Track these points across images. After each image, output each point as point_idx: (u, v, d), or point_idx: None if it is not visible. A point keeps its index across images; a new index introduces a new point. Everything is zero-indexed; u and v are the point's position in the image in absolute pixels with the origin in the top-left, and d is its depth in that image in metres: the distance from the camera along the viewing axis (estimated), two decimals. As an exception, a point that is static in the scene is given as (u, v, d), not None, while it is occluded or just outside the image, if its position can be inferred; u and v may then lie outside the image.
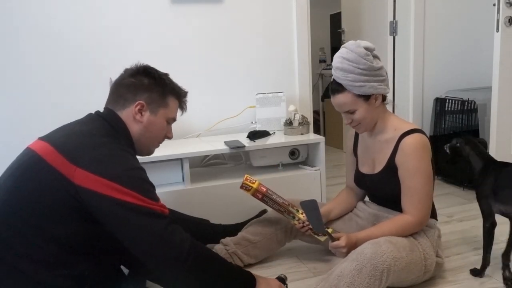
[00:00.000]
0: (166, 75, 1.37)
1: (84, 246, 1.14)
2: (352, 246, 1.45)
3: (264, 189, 1.61)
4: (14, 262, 1.07)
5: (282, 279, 1.42)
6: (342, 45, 1.52)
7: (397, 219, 1.51)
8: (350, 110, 1.52)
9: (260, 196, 1.61)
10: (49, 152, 1.11)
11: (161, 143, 1.40)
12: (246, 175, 1.62)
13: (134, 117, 1.28)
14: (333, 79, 1.53)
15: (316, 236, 1.62)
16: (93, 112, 1.31)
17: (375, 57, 1.51)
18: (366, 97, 1.49)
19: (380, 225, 1.53)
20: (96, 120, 1.26)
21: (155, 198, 1.14)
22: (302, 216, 1.63)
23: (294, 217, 1.63)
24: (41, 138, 1.20)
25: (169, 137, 1.41)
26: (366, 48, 1.47)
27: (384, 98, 1.56)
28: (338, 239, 1.48)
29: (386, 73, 1.54)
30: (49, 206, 1.08)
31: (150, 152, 1.39)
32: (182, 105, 1.41)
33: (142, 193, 1.10)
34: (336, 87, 1.51)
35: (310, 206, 1.55)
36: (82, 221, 1.10)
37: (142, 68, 1.34)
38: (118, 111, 1.29)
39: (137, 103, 1.28)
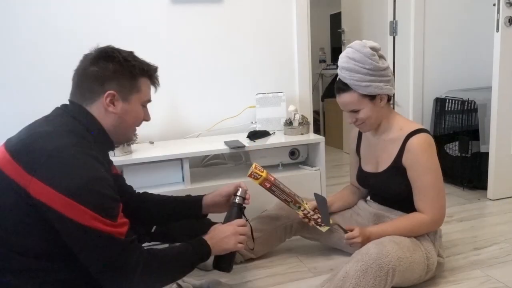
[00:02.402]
0: (131, 54, 1.23)
1: (62, 253, 1.07)
2: (365, 239, 1.45)
3: (272, 179, 1.61)
4: None
5: (238, 205, 1.45)
6: (348, 45, 1.53)
7: (412, 217, 1.50)
8: (355, 109, 1.52)
9: (268, 186, 1.59)
10: (7, 162, 1.03)
11: (139, 127, 1.31)
12: (254, 164, 1.61)
13: (106, 109, 1.18)
14: (339, 78, 1.54)
15: (318, 227, 1.63)
16: (60, 106, 1.20)
17: (381, 57, 1.51)
18: (372, 97, 1.50)
19: (394, 221, 1.52)
20: (63, 117, 1.15)
21: (114, 216, 1.05)
22: (307, 206, 1.63)
23: (299, 207, 1.63)
24: (4, 143, 1.10)
25: (147, 120, 1.31)
26: (372, 48, 1.48)
27: (389, 98, 1.56)
28: (350, 230, 1.49)
29: (392, 74, 1.54)
30: (13, 220, 1.02)
31: (129, 139, 1.33)
32: (154, 82, 1.29)
33: (99, 212, 1.01)
34: (341, 87, 1.52)
35: (321, 200, 1.63)
36: (51, 230, 1.02)
37: (104, 52, 1.19)
38: (87, 106, 1.18)
39: (106, 94, 1.16)
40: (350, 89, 1.49)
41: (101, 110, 1.18)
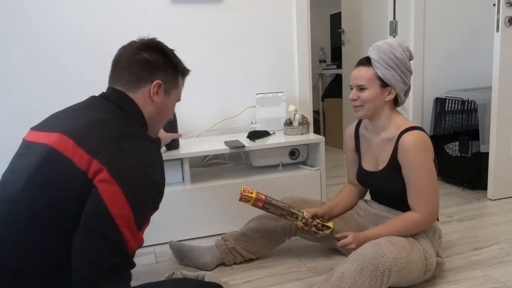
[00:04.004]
0: (174, 52, 1.27)
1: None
2: (360, 244, 1.46)
3: (263, 197, 1.57)
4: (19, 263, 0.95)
5: None
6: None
7: (405, 217, 1.51)
8: (363, 86, 1.54)
9: (261, 205, 1.56)
10: (72, 148, 0.98)
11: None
12: (242, 187, 1.57)
13: (151, 97, 1.17)
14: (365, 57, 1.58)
15: (320, 232, 1.62)
16: (101, 95, 1.17)
17: (410, 60, 1.57)
18: (384, 84, 1.52)
19: (388, 223, 1.53)
20: (108, 105, 1.12)
21: (142, 225, 1.01)
22: (305, 215, 1.63)
23: (297, 218, 1.61)
24: (59, 131, 1.03)
25: (171, 119, 1.33)
26: (408, 50, 1.55)
27: (396, 99, 1.58)
28: (345, 237, 1.51)
29: (410, 81, 1.59)
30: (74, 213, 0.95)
31: (156, 136, 1.30)
32: (183, 84, 1.32)
33: (137, 223, 0.98)
34: (363, 61, 1.56)
35: None
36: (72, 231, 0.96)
37: (155, 42, 1.22)
38: (131, 92, 1.16)
39: (155, 82, 1.17)
40: (370, 65, 1.53)
41: (145, 98, 1.17)
